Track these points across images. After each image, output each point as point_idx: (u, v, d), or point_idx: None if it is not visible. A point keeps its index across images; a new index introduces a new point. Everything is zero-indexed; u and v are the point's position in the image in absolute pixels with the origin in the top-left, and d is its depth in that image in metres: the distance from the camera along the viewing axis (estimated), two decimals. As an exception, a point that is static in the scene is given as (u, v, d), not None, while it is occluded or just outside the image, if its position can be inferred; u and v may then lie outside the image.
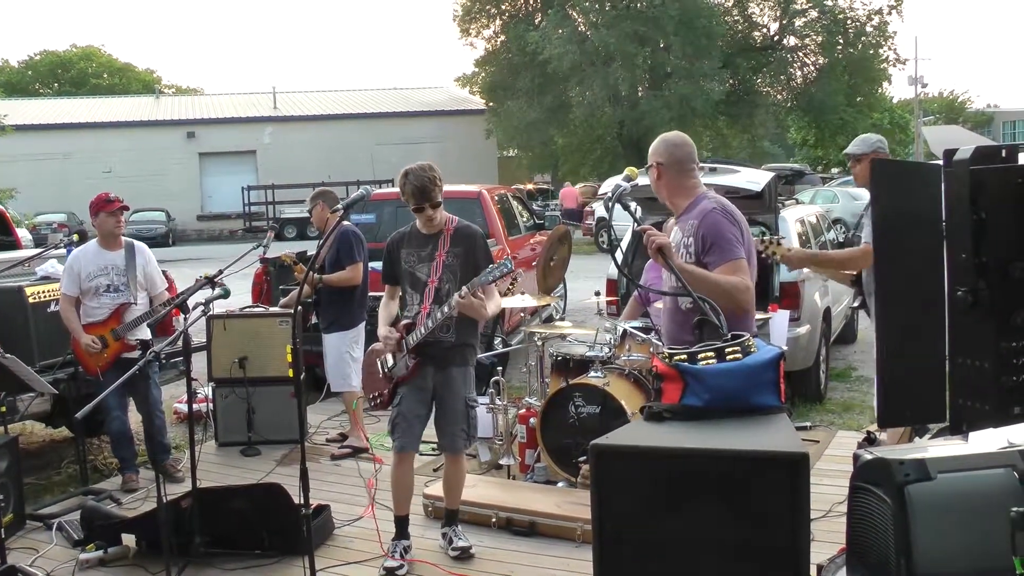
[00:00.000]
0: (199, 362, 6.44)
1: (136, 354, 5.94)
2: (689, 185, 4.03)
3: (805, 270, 8.04)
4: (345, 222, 6.95)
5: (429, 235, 4.81)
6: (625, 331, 6.03)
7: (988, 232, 1.98)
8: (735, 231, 3.84)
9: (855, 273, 5.42)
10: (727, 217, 3.86)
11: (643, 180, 4.17)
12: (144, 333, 6.16)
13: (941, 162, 2.11)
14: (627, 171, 3.90)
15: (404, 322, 4.83)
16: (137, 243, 6.37)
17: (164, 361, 6.27)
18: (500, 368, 6.63)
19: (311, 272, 6.54)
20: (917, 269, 2.21)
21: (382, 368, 4.89)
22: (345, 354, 6.78)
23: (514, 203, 12.44)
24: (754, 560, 2.72)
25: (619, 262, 4.42)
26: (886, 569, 2.57)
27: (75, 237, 7.15)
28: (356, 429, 6.79)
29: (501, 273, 4.51)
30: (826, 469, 5.80)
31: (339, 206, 4.82)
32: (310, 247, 8.85)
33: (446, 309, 4.59)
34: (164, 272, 6.57)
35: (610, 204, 3.70)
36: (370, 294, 6.96)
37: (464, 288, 4.51)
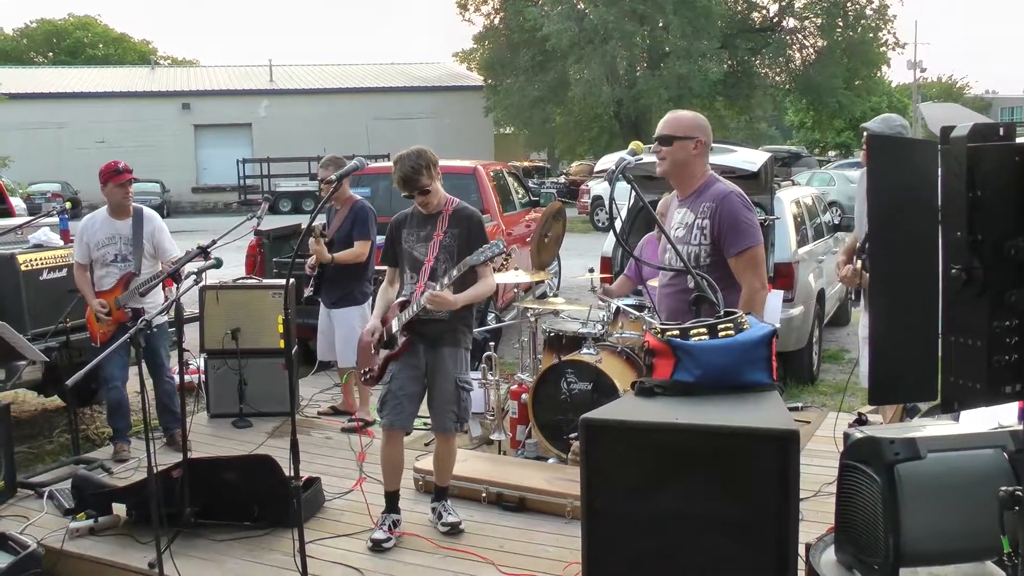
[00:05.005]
0: (191, 333, 6.44)
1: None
2: (707, 166, 4.15)
3: (801, 251, 8.06)
4: (358, 196, 6.91)
5: (428, 216, 4.80)
6: (618, 308, 6.03)
7: (984, 210, 1.97)
8: (751, 216, 4.00)
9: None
10: (744, 202, 4.01)
11: (648, 157, 4.18)
12: (149, 300, 6.13)
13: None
14: (632, 145, 3.90)
15: (400, 299, 4.84)
16: (146, 210, 6.35)
17: (154, 330, 6.24)
18: (493, 344, 6.61)
19: (331, 257, 6.52)
20: (911, 246, 2.20)
21: (375, 345, 4.89)
22: (357, 329, 6.73)
23: (510, 180, 12.42)
24: (742, 536, 2.73)
25: (618, 232, 4.45)
26: (874, 547, 2.59)
27: (68, 205, 7.13)
28: (364, 404, 6.75)
29: (492, 253, 4.51)
30: (816, 450, 5.80)
31: (333, 176, 4.78)
32: (305, 221, 8.85)
33: (415, 307, 4.63)
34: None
35: (613, 177, 3.71)
36: (376, 267, 6.93)
37: (435, 285, 4.55)
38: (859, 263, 5.03)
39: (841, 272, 5.27)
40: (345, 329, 6.72)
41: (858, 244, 5.24)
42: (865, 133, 4.87)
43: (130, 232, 6.17)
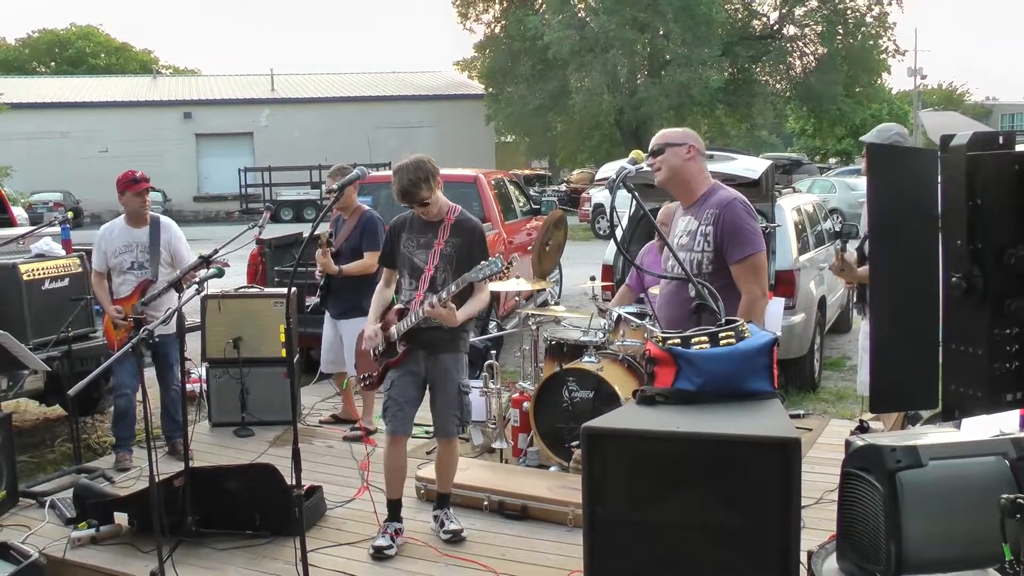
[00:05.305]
0: (193, 342, 6.44)
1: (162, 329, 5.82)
2: (707, 174, 4.19)
3: (802, 258, 8.06)
4: (366, 206, 6.90)
5: (429, 223, 4.79)
6: (619, 316, 6.03)
7: (984, 218, 1.98)
8: (754, 223, 4.03)
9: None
10: (747, 209, 4.04)
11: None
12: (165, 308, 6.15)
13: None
14: (633, 154, 3.92)
15: (398, 307, 4.84)
16: (163, 219, 6.44)
17: (156, 339, 6.26)
18: (494, 352, 6.61)
19: (338, 268, 6.51)
20: (912, 255, 2.21)
21: (373, 351, 4.89)
22: None
23: (511, 188, 12.43)
24: (744, 544, 2.73)
25: (619, 240, 4.47)
26: (876, 554, 2.58)
27: (70, 215, 7.14)
28: (368, 412, 6.71)
29: (491, 272, 4.50)
30: (818, 457, 5.80)
31: (334, 186, 4.77)
32: (307, 230, 8.88)
33: (415, 317, 4.64)
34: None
35: (614, 186, 3.72)
36: None
37: (434, 297, 4.55)
38: (838, 243, 5.09)
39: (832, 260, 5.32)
40: (353, 340, 6.67)
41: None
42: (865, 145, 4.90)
43: (147, 240, 6.26)
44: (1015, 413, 2.86)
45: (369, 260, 6.51)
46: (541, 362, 6.41)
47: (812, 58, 37.91)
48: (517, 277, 6.72)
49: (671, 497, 2.82)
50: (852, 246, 5.22)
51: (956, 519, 2.54)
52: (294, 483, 4.07)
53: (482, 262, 4.53)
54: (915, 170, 2.24)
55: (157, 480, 4.22)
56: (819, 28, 37.02)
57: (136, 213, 6.27)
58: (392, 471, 4.88)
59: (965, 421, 2.88)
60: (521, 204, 12.50)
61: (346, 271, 6.52)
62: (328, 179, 6.86)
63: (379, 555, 4.66)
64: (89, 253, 6.97)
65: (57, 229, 7.62)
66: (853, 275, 5.31)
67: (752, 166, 7.32)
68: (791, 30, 38.32)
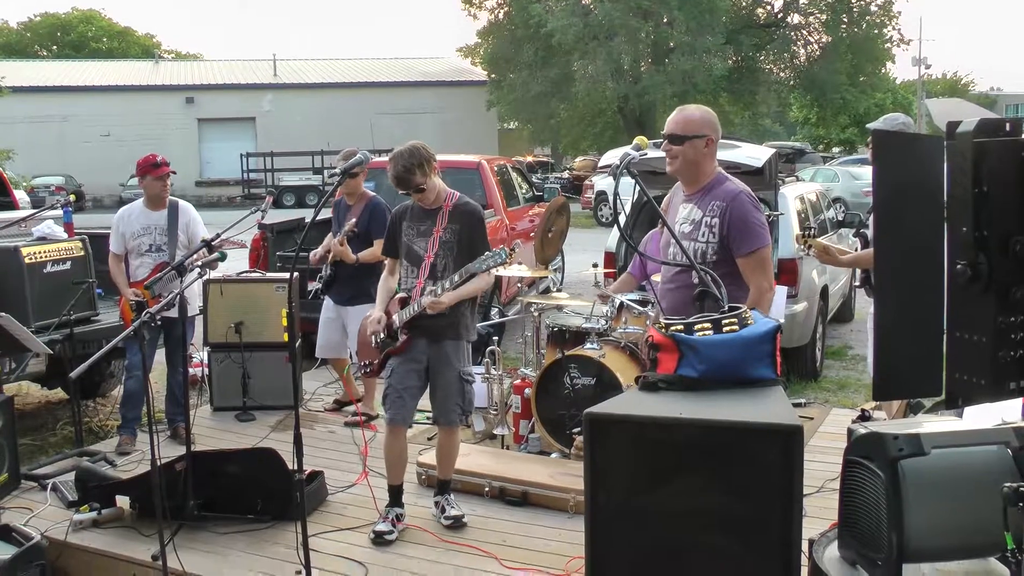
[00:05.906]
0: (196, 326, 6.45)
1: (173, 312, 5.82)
2: (715, 164, 4.14)
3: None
4: (372, 192, 6.87)
5: (428, 210, 4.78)
6: (622, 303, 6.02)
7: (989, 206, 1.97)
8: (761, 217, 4.00)
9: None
10: (754, 203, 4.00)
11: (652, 152, 4.17)
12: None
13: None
14: (637, 140, 3.90)
15: (399, 295, 4.83)
16: (181, 202, 6.46)
17: (157, 322, 6.28)
18: (496, 338, 6.61)
19: (356, 258, 6.46)
20: (917, 242, 2.20)
21: (375, 339, 4.88)
22: None
23: (513, 175, 12.41)
24: (746, 532, 2.73)
25: (622, 227, 4.46)
26: (877, 543, 2.58)
27: (72, 198, 7.13)
28: (369, 399, 6.69)
29: (495, 263, 4.51)
30: (820, 446, 5.80)
31: (337, 171, 4.75)
32: (309, 215, 8.83)
33: (416, 306, 4.63)
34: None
35: (618, 172, 3.70)
36: None
37: (434, 290, 4.55)
38: (810, 231, 5.10)
39: None
40: (357, 326, 6.64)
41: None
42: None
43: (165, 223, 6.29)
44: (1018, 401, 2.85)
45: (379, 247, 6.48)
46: (543, 349, 6.41)
47: (816, 47, 37.83)
48: (519, 264, 6.71)
49: (673, 484, 2.82)
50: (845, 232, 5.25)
51: (958, 508, 2.54)
52: (295, 468, 4.07)
53: (486, 253, 4.53)
54: (920, 157, 2.23)
55: (159, 464, 4.22)
56: (823, 16, 36.94)
57: (156, 197, 6.32)
58: (392, 459, 4.88)
59: (968, 409, 2.87)
60: (524, 191, 12.49)
61: (363, 259, 6.48)
62: (339, 161, 6.83)
63: (380, 540, 4.66)
64: (91, 236, 6.99)
65: (59, 212, 7.62)
66: (836, 261, 5.33)
67: (756, 154, 7.29)
68: (795, 18, 38.25)
